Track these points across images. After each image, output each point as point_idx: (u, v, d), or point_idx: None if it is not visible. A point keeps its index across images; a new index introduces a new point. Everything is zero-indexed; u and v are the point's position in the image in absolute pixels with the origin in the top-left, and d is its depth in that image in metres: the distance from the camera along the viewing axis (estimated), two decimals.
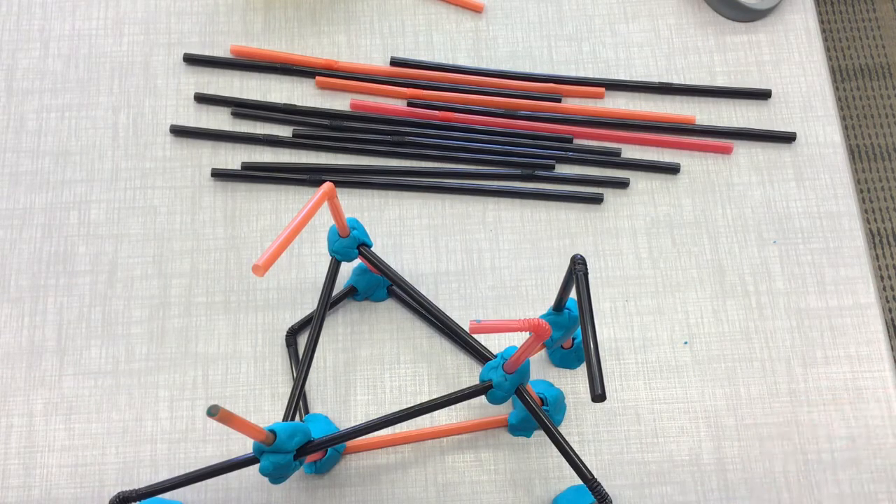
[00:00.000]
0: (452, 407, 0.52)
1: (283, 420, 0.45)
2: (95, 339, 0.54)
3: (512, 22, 0.62)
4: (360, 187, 0.58)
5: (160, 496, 0.50)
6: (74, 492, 0.51)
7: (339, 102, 0.60)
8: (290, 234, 0.39)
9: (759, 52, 0.61)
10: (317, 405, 0.53)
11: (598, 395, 0.34)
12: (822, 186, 0.58)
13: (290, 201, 0.57)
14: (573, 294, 0.51)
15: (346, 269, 0.55)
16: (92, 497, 0.51)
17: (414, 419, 0.47)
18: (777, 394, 0.53)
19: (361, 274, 0.53)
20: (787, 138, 0.59)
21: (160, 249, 0.56)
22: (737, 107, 0.60)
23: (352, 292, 0.54)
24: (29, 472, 0.51)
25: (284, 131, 0.59)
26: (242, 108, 0.59)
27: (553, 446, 0.52)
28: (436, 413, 0.52)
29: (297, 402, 0.46)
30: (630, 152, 0.59)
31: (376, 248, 0.56)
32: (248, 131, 0.59)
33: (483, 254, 0.56)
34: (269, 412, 0.53)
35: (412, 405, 0.43)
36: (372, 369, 0.53)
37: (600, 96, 0.60)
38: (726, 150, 0.58)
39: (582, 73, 0.61)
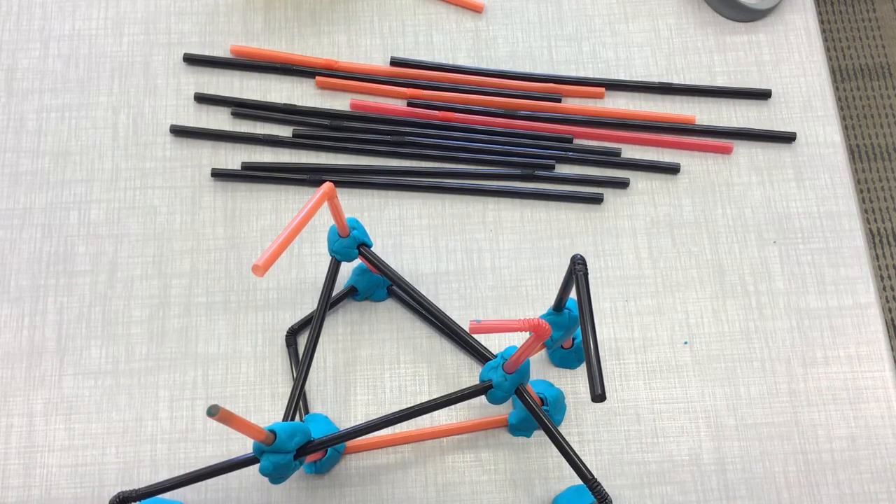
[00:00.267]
0: (452, 407, 0.52)
1: (283, 420, 0.45)
2: (95, 339, 0.54)
3: (512, 22, 0.62)
4: (360, 187, 0.58)
5: (160, 496, 0.50)
6: (74, 492, 0.51)
7: (339, 102, 0.60)
8: (290, 234, 0.39)
9: (759, 52, 0.61)
10: (317, 405, 0.53)
11: (598, 395, 0.34)
12: (822, 186, 0.58)
13: (290, 201, 0.57)
14: (573, 294, 0.51)
15: (346, 269, 0.55)
16: (92, 497, 0.51)
17: (414, 419, 0.47)
18: (777, 394, 0.53)
19: (361, 274, 0.53)
20: (787, 138, 0.59)
21: (160, 249, 0.56)
22: (737, 107, 0.60)
23: (352, 292, 0.54)
24: (29, 472, 0.51)
25: (284, 131, 0.59)
26: (242, 108, 0.59)
27: (553, 446, 0.52)
28: (436, 413, 0.52)
29: (297, 402, 0.46)
30: (630, 152, 0.59)
31: (376, 248, 0.56)
32: (248, 131, 0.59)
33: (483, 254, 0.56)
34: (269, 412, 0.53)
35: (412, 405, 0.43)
36: (372, 369, 0.53)
37: (600, 96, 0.60)
38: (726, 150, 0.58)
39: (582, 73, 0.61)
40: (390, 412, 0.45)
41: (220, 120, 0.59)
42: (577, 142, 0.59)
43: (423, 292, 0.55)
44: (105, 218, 0.57)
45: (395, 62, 0.60)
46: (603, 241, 0.56)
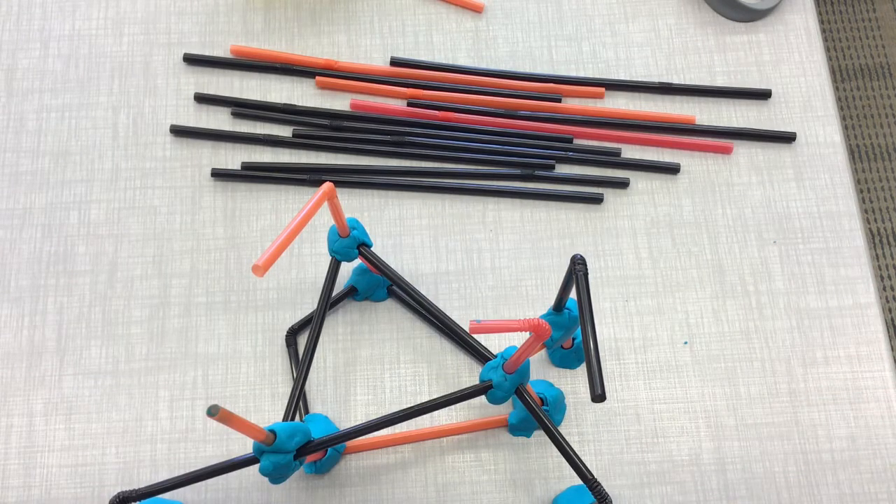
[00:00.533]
0: (452, 407, 0.52)
1: (283, 420, 0.45)
2: (95, 339, 0.54)
3: (512, 22, 0.62)
4: (360, 187, 0.58)
5: (160, 496, 0.50)
6: (74, 492, 0.51)
7: (339, 102, 0.60)
8: (290, 234, 0.39)
9: (759, 52, 0.61)
10: (317, 405, 0.53)
11: (598, 395, 0.34)
12: (822, 186, 0.58)
13: (290, 201, 0.57)
14: (573, 294, 0.51)
15: (346, 269, 0.55)
16: (92, 497, 0.51)
17: (414, 419, 0.47)
18: (777, 394, 0.53)
19: (361, 274, 0.53)
20: (787, 138, 0.59)
21: (160, 249, 0.56)
22: (737, 107, 0.60)
23: (352, 292, 0.54)
24: (29, 472, 0.51)
25: (284, 131, 0.59)
26: (242, 108, 0.59)
27: (553, 446, 0.52)
28: (436, 413, 0.52)
29: (297, 402, 0.46)
30: (630, 152, 0.59)
31: (376, 248, 0.56)
32: (248, 131, 0.59)
33: (483, 254, 0.56)
34: (269, 412, 0.53)
35: (412, 405, 0.43)
36: (372, 369, 0.53)
37: (600, 96, 0.60)
38: (726, 150, 0.58)
39: (582, 73, 0.61)
40: (390, 412, 0.45)
41: (220, 120, 0.59)
42: (577, 142, 0.59)
43: (423, 292, 0.55)
44: (105, 218, 0.57)
45: (395, 62, 0.60)
46: (603, 241, 0.56)
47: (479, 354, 0.46)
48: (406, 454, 0.52)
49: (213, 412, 0.35)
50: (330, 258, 0.49)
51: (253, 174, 0.57)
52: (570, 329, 0.46)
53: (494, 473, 0.51)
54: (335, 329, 0.54)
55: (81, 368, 0.53)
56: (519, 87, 0.60)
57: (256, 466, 0.51)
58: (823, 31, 1.43)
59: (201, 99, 0.59)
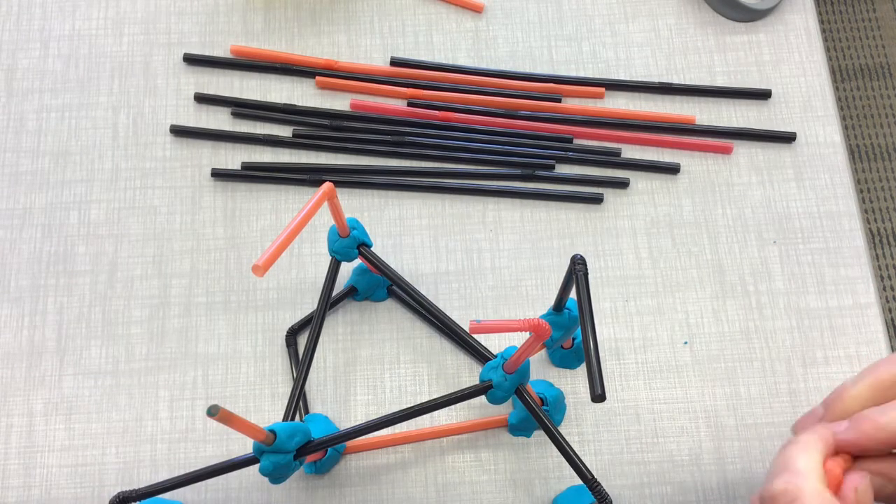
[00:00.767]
0: (452, 407, 0.52)
1: (283, 420, 0.45)
2: (95, 339, 0.54)
3: (512, 22, 0.62)
4: (360, 187, 0.58)
5: (160, 496, 0.50)
6: (74, 492, 0.51)
7: (339, 102, 0.60)
8: (290, 234, 0.39)
9: (759, 52, 0.61)
10: (317, 405, 0.53)
11: (598, 395, 0.34)
12: (822, 186, 0.58)
13: (290, 201, 0.57)
14: (573, 294, 0.51)
15: (346, 269, 0.55)
16: (92, 497, 0.51)
17: (414, 419, 0.47)
18: (777, 394, 0.53)
19: (361, 274, 0.53)
20: (787, 138, 0.59)
21: (160, 249, 0.56)
22: (737, 107, 0.60)
23: (352, 292, 0.54)
24: (29, 472, 0.51)
25: (284, 131, 0.59)
26: (242, 108, 0.59)
27: (553, 446, 0.51)
28: (436, 413, 0.52)
29: (297, 402, 0.46)
30: (630, 152, 0.59)
31: (376, 248, 0.56)
32: (248, 131, 0.59)
33: (483, 254, 0.56)
34: (269, 412, 0.53)
35: (412, 405, 0.43)
36: (372, 369, 0.53)
37: (600, 96, 0.60)
38: (726, 150, 0.58)
39: (582, 73, 0.61)
40: (390, 412, 0.45)
41: (220, 120, 0.59)
42: (577, 142, 0.59)
43: (423, 292, 0.55)
44: (105, 218, 0.57)
45: (395, 62, 0.60)
46: (603, 241, 0.56)
47: (479, 354, 0.46)
48: (406, 454, 0.52)
49: (213, 412, 0.35)
50: (330, 258, 0.49)
51: (253, 174, 0.57)
52: (570, 329, 0.46)
53: (494, 473, 0.51)
54: (335, 329, 0.54)
55: (81, 368, 0.53)
56: (519, 87, 0.60)
57: (256, 466, 0.50)
58: (823, 31, 1.43)
59: (201, 99, 0.59)
